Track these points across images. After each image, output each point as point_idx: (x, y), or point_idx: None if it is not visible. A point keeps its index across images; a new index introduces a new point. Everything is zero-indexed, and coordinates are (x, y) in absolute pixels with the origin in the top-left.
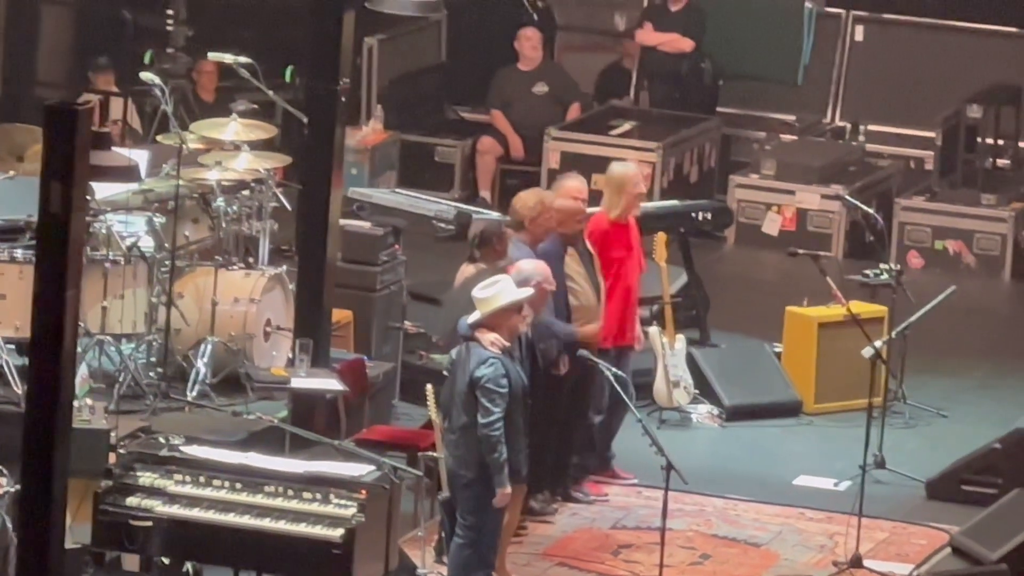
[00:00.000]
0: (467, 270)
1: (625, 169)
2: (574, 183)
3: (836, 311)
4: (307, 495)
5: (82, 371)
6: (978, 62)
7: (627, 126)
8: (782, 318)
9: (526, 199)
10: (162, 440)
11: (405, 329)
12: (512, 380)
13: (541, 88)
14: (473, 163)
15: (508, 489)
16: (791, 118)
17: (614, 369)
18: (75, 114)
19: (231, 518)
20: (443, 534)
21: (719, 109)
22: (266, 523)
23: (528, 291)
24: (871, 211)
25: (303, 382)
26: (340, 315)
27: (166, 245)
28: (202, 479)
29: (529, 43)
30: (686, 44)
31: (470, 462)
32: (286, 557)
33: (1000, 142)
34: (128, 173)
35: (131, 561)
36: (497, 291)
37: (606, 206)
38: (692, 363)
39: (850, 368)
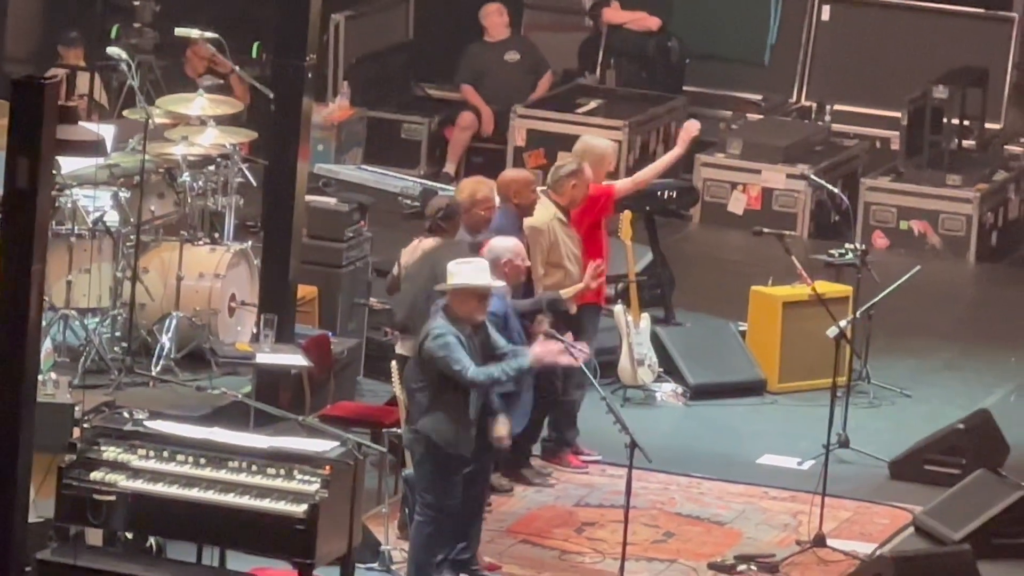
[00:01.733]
0: (426, 243)
1: (607, 145)
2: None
3: (801, 291)
4: (271, 471)
5: (47, 345)
6: (945, 43)
7: (593, 104)
8: (747, 297)
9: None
10: (126, 415)
11: (370, 305)
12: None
13: (513, 56)
14: (439, 140)
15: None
16: (757, 97)
17: (578, 347)
18: (42, 88)
19: (195, 493)
20: (406, 510)
21: (685, 88)
22: (230, 498)
23: (496, 284)
24: (836, 191)
25: (268, 357)
26: (305, 291)
27: (131, 220)
28: (166, 454)
29: (493, 16)
30: (653, 22)
31: (419, 438)
32: (249, 532)
33: (966, 123)
34: (94, 148)
35: (95, 536)
36: (467, 270)
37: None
38: (657, 342)
39: (814, 348)
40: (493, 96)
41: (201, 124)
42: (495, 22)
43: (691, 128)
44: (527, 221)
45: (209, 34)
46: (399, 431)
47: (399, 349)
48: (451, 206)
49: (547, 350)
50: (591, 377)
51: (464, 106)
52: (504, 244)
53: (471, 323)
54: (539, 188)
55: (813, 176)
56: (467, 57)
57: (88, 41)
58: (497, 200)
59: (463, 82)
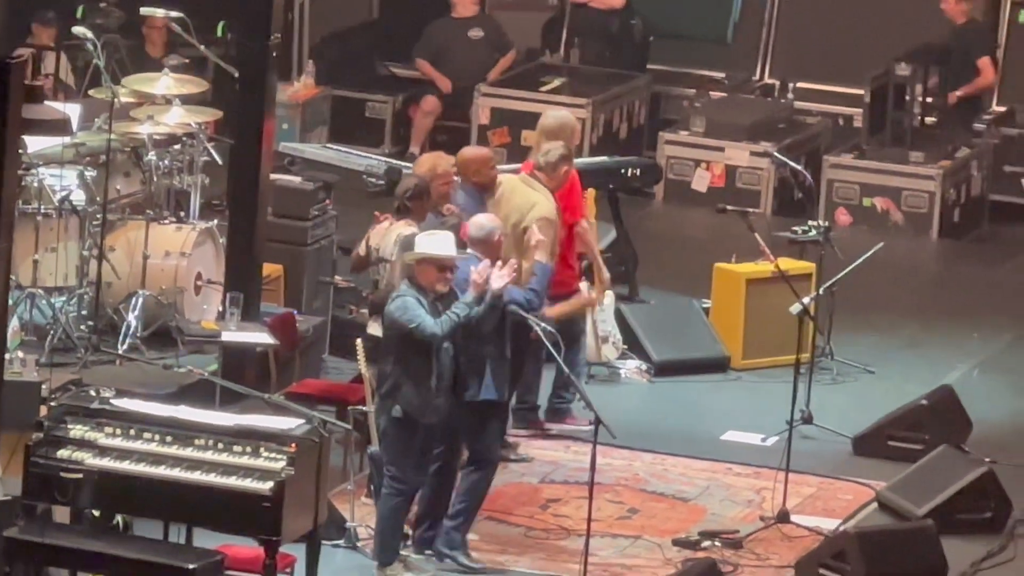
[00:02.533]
0: (397, 226)
1: (575, 122)
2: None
3: (764, 267)
4: (237, 448)
5: (13, 324)
6: (907, 21)
7: (557, 82)
8: (710, 274)
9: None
10: (93, 393)
11: (335, 284)
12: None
13: (476, 33)
14: (404, 119)
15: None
16: (721, 75)
17: (543, 324)
18: (8, 68)
19: (161, 471)
20: (372, 487)
21: (649, 66)
22: (196, 476)
23: (461, 256)
24: (800, 168)
25: (233, 336)
26: (271, 269)
27: (98, 199)
28: (133, 432)
29: None
30: (617, 1)
31: (386, 407)
32: (216, 510)
33: (928, 100)
34: (60, 127)
35: (62, 513)
36: (431, 242)
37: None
38: (621, 319)
39: (778, 324)
40: (455, 72)
41: (167, 103)
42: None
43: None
44: (542, 213)
45: (174, 13)
46: (364, 409)
47: (370, 329)
48: (418, 186)
49: (480, 274)
50: (555, 354)
51: (429, 88)
52: (496, 221)
53: (433, 292)
54: (508, 167)
55: (776, 154)
56: (430, 32)
57: (59, 21)
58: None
59: (420, 57)
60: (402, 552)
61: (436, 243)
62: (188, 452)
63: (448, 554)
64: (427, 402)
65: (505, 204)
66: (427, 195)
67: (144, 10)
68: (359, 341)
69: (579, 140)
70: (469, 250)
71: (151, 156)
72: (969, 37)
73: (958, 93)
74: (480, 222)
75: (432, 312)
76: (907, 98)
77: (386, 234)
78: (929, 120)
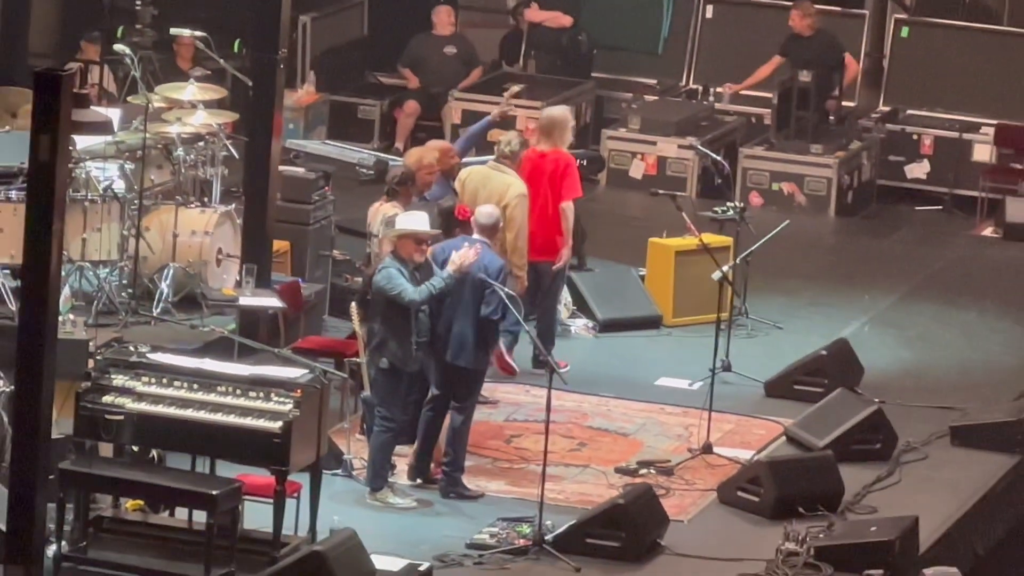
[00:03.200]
0: (384, 207)
1: (568, 116)
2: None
3: (690, 241)
4: (252, 394)
5: (65, 292)
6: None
7: (517, 88)
8: (646, 247)
9: (438, 145)
10: (132, 348)
11: (333, 256)
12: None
13: (451, 50)
14: (391, 119)
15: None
16: (653, 81)
17: (506, 289)
18: (60, 79)
19: (189, 413)
20: (364, 426)
21: (593, 74)
22: (218, 417)
23: (430, 231)
24: (719, 158)
25: (249, 300)
26: (279, 245)
27: (135, 187)
28: (165, 380)
29: (442, 15)
30: (566, 20)
31: (375, 359)
32: (234, 445)
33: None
34: (104, 127)
35: (106, 449)
36: (409, 220)
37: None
38: (571, 284)
39: (702, 288)
40: (430, 80)
41: (192, 107)
42: (443, 20)
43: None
44: (518, 191)
45: (198, 33)
46: (358, 360)
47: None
48: (404, 174)
49: (462, 256)
50: (517, 315)
51: (410, 94)
52: (498, 211)
53: (412, 262)
54: (496, 160)
55: (699, 146)
56: (412, 44)
57: (103, 38)
58: None
59: (402, 65)
60: (390, 479)
61: (414, 221)
62: (211, 397)
63: (452, 490)
64: (409, 355)
65: (483, 189)
66: (412, 181)
67: (173, 30)
68: (353, 304)
69: (570, 135)
70: (476, 235)
71: (179, 151)
72: (823, 43)
73: (835, 94)
74: (488, 211)
75: (411, 280)
76: (808, 100)
77: (376, 214)
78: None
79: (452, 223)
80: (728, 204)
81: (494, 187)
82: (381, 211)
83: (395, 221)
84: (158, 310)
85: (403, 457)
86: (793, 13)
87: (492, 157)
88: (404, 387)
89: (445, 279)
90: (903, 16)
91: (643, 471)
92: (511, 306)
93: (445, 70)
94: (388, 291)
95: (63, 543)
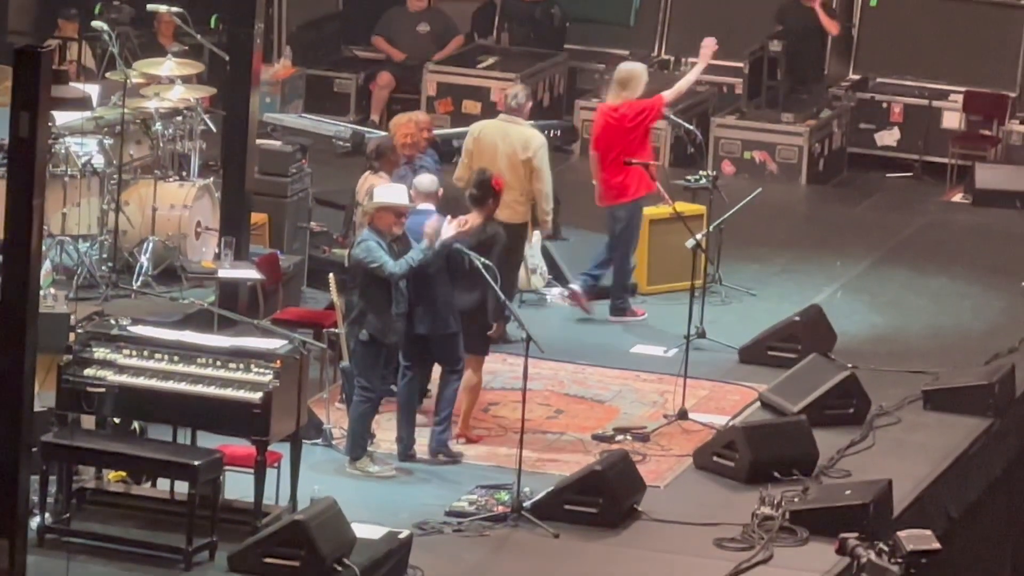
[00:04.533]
0: (372, 179)
1: (643, 68)
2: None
3: (664, 210)
4: (232, 365)
5: (46, 266)
6: (778, 6)
7: (491, 60)
8: None
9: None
10: (113, 322)
11: (311, 228)
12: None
13: (424, 27)
14: (367, 92)
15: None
16: (625, 53)
17: (482, 259)
18: (39, 56)
19: (170, 384)
20: (344, 395)
21: (566, 46)
22: (199, 388)
23: (408, 204)
24: (692, 127)
25: (228, 272)
26: (257, 217)
27: (114, 162)
28: (146, 353)
29: None
30: None
31: (355, 331)
32: (215, 416)
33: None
34: (82, 103)
35: (88, 421)
36: (388, 192)
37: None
38: (546, 253)
39: (676, 257)
40: (406, 55)
41: (170, 83)
42: None
43: (709, 44)
44: (540, 140)
45: (175, 9)
46: (336, 331)
47: None
48: (380, 146)
49: (433, 227)
50: (493, 284)
51: (384, 66)
52: (436, 179)
53: (391, 235)
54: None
55: (672, 116)
56: (386, 17)
57: (80, 16)
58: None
59: (376, 35)
60: (369, 448)
61: (392, 193)
62: (192, 369)
63: (439, 450)
64: (388, 326)
65: (502, 142)
66: (392, 151)
67: (150, 6)
68: (331, 275)
69: (643, 87)
70: (420, 204)
71: (158, 126)
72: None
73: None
74: (429, 179)
75: (389, 252)
76: (778, 70)
77: (364, 184)
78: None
79: (488, 193)
80: (701, 173)
81: (514, 138)
82: (368, 183)
83: (375, 193)
84: (138, 283)
85: (388, 431)
86: None
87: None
88: (384, 358)
89: (424, 251)
90: None
91: (619, 438)
92: (487, 275)
93: (417, 47)
94: (368, 263)
95: (46, 515)
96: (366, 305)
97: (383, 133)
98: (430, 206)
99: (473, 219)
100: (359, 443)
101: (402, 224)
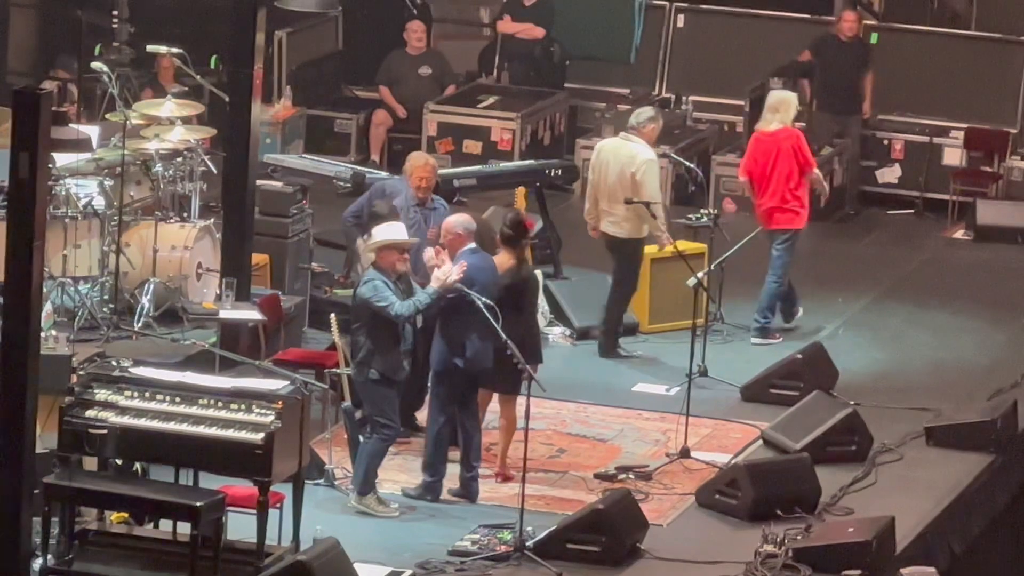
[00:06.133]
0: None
1: (793, 98)
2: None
3: (665, 249)
4: (234, 406)
5: (47, 308)
6: (778, 43)
7: (491, 100)
8: None
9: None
10: (114, 363)
11: (312, 269)
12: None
13: (425, 70)
14: (367, 132)
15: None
16: (626, 91)
17: (484, 299)
18: (39, 97)
19: (172, 426)
20: (347, 436)
21: (567, 84)
22: (200, 429)
23: (412, 240)
24: (692, 166)
25: (229, 313)
26: (259, 258)
27: (115, 203)
28: (147, 394)
29: (415, 35)
30: (539, 32)
31: (364, 370)
32: (217, 457)
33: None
34: (82, 145)
35: (90, 463)
36: (389, 230)
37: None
38: (548, 293)
39: (677, 295)
40: (406, 98)
41: (170, 123)
42: (413, 38)
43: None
44: (646, 157)
45: (175, 49)
46: (338, 371)
47: None
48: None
49: (438, 262)
50: (494, 323)
51: (380, 105)
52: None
53: (395, 272)
54: (625, 131)
55: (673, 154)
56: (388, 62)
57: (77, 60)
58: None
59: (381, 83)
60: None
61: (393, 231)
62: (193, 410)
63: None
64: (398, 363)
65: (613, 159)
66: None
67: (150, 48)
68: (333, 316)
69: (795, 112)
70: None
71: (158, 167)
72: (856, 50)
73: (867, 105)
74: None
75: (394, 289)
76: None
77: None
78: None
79: (522, 234)
80: (702, 211)
81: (623, 156)
82: None
83: (374, 232)
84: (139, 325)
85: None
86: (846, 14)
87: None
88: (397, 393)
89: (431, 294)
90: (872, 22)
91: (622, 476)
92: (489, 316)
93: (420, 90)
94: (375, 303)
95: (49, 556)
96: (374, 344)
97: (384, 173)
98: (474, 244)
99: (504, 259)
100: (368, 480)
101: (405, 261)
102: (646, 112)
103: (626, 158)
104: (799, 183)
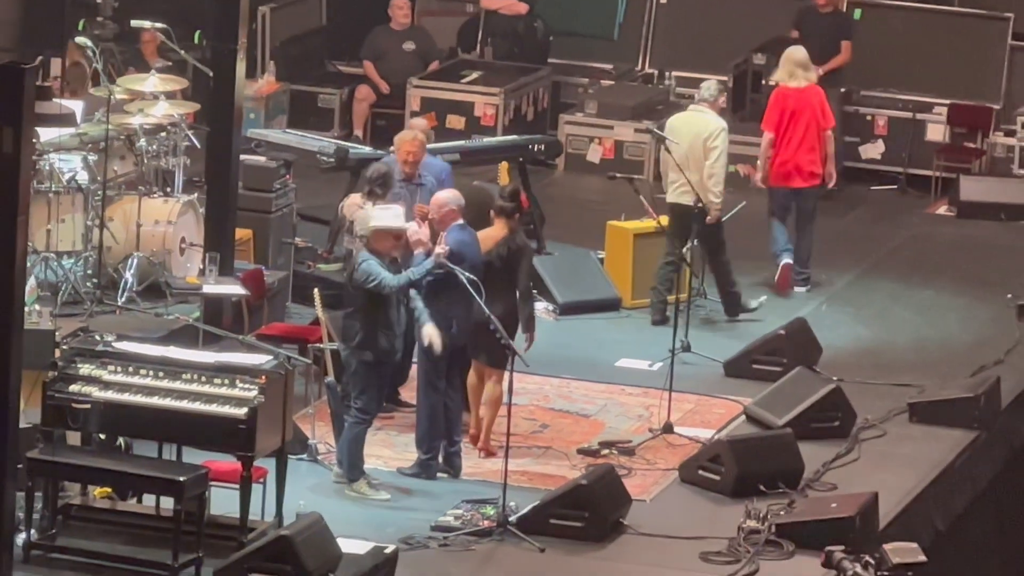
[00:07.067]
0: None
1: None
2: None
3: (648, 224)
4: (217, 381)
5: (31, 283)
6: (761, 19)
7: (475, 75)
8: (604, 230)
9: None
10: (98, 338)
11: (296, 244)
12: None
13: (409, 46)
14: (350, 108)
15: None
16: (609, 67)
17: (468, 275)
18: (22, 72)
19: (155, 400)
20: (331, 411)
21: (550, 60)
22: (184, 404)
23: (405, 225)
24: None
25: (212, 288)
26: (242, 233)
27: (98, 178)
28: (131, 369)
29: (401, 10)
30: (521, 7)
31: (356, 353)
32: (201, 432)
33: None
34: (67, 119)
35: (73, 437)
36: (386, 215)
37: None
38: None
39: None
40: (390, 73)
41: (154, 98)
42: (398, 14)
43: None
44: (718, 125)
45: (159, 25)
46: (321, 346)
47: None
48: (387, 175)
49: (420, 235)
50: (478, 299)
51: (363, 80)
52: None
53: (388, 257)
54: (695, 104)
55: (656, 130)
56: (372, 37)
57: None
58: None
59: (365, 59)
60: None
61: (389, 216)
62: (177, 384)
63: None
64: (393, 347)
65: (685, 128)
66: (393, 180)
67: (134, 23)
68: (316, 290)
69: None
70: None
71: (142, 142)
72: (834, 21)
73: (822, 70)
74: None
75: (386, 267)
76: (763, 82)
77: (348, 206)
78: None
79: (518, 207)
80: None
81: (695, 125)
82: (353, 203)
83: (369, 216)
84: (123, 299)
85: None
86: None
87: None
88: (384, 379)
89: (423, 266)
90: None
91: (605, 451)
92: (472, 290)
93: (404, 65)
94: (367, 283)
95: (32, 531)
96: (370, 327)
97: (367, 148)
98: (462, 220)
99: (498, 230)
100: (356, 464)
101: (400, 247)
102: (714, 85)
103: (698, 125)
104: (819, 140)
